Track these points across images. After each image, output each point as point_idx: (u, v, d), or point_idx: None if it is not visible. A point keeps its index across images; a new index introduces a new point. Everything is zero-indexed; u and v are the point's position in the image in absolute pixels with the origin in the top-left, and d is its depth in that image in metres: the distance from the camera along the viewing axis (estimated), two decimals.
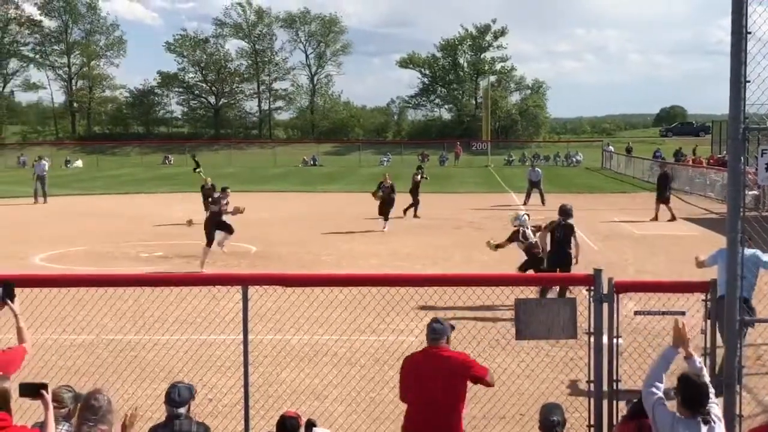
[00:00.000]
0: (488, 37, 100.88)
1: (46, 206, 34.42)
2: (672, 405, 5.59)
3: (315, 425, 6.66)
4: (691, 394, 5.39)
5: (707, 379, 5.63)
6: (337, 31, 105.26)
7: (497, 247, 16.72)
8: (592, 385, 6.83)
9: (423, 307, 9.69)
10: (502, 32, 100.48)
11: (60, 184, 46.83)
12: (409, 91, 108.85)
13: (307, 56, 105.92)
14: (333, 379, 10.15)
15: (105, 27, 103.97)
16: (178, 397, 5.98)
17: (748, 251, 10.01)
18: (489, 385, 6.82)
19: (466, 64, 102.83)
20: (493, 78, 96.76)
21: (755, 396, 9.23)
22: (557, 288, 13.25)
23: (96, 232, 25.38)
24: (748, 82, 6.24)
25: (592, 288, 6.73)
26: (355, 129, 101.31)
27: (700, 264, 11.37)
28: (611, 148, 68.65)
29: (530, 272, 15.28)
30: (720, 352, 6.86)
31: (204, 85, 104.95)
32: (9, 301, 6.51)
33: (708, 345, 6.78)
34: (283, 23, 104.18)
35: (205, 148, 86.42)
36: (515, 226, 16.46)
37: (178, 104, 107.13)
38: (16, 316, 6.47)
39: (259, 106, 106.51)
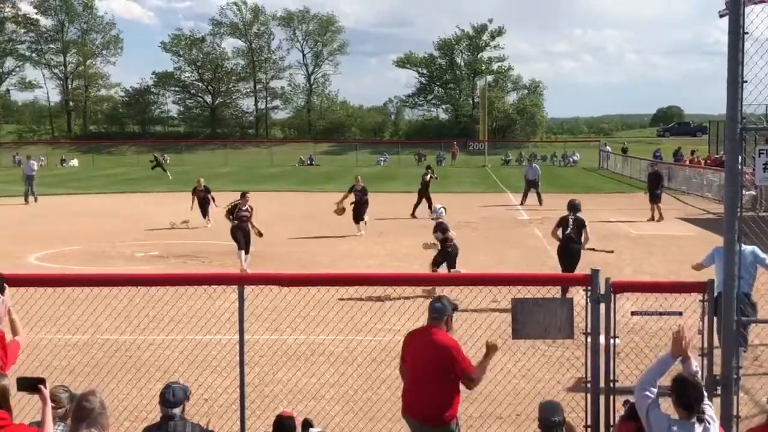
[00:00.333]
0: (485, 37, 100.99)
1: (41, 205, 34.30)
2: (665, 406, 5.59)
3: (312, 425, 6.64)
4: (686, 395, 5.39)
5: (701, 380, 5.63)
6: (335, 30, 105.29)
7: (426, 246, 17.10)
8: (589, 385, 6.82)
9: (420, 307, 9.67)
10: (500, 32, 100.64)
11: (56, 183, 46.77)
12: (406, 90, 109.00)
13: (304, 55, 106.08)
14: (330, 378, 10.12)
15: (101, 26, 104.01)
16: (172, 397, 5.94)
17: (747, 248, 10.07)
18: (468, 384, 6.82)
19: (463, 64, 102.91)
20: (490, 78, 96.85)
21: (752, 396, 9.22)
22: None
23: (91, 232, 25.33)
24: (746, 82, 6.23)
25: (590, 288, 6.72)
26: (352, 129, 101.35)
27: (699, 266, 11.39)
28: (608, 148, 68.69)
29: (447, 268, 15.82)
30: (718, 352, 6.85)
31: (200, 84, 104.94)
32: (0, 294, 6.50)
33: (705, 345, 6.76)
34: (281, 21, 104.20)
35: (202, 147, 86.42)
36: (433, 219, 16.97)
37: (174, 103, 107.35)
38: (8, 309, 6.43)
39: (256, 105, 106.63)
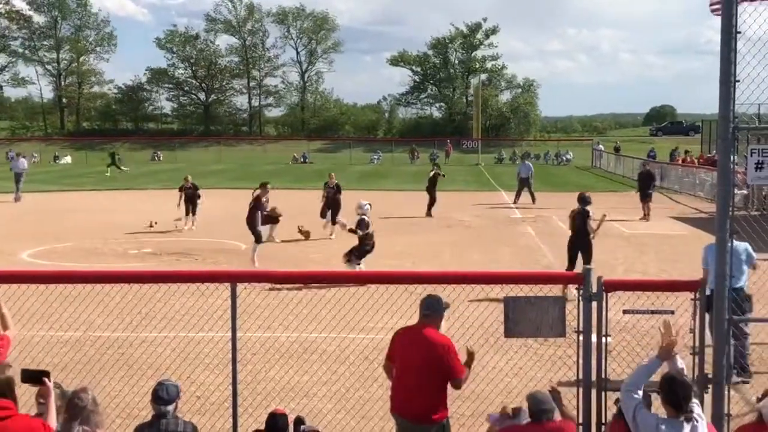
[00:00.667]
0: (479, 36, 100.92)
1: (34, 202, 34.15)
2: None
3: (303, 422, 6.66)
4: (674, 394, 5.40)
5: (688, 378, 5.63)
6: (329, 28, 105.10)
7: (351, 231, 17.65)
8: (580, 383, 6.83)
9: (413, 305, 9.67)
10: (494, 31, 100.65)
11: (48, 180, 46.66)
12: (400, 89, 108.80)
13: (297, 53, 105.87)
14: (322, 376, 10.13)
15: (95, 23, 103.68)
16: (166, 395, 5.94)
17: (740, 244, 10.13)
18: (458, 385, 6.81)
19: (457, 63, 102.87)
20: (484, 76, 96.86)
21: (743, 395, 9.25)
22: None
23: (84, 228, 25.28)
24: (738, 81, 6.25)
25: (582, 286, 6.74)
26: (346, 126, 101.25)
27: (706, 273, 11.33)
28: (601, 147, 68.80)
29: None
30: (710, 351, 6.87)
31: (194, 81, 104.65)
32: None
33: (697, 344, 6.78)
34: (275, 18, 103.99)
35: (195, 144, 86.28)
36: (359, 215, 17.33)
37: (168, 100, 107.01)
38: None
39: (249, 102, 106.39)
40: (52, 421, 5.40)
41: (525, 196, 34.57)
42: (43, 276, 8.46)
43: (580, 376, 6.82)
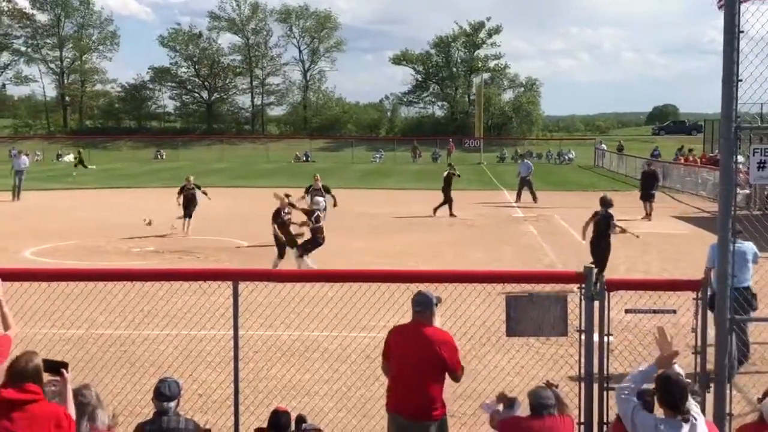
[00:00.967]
0: (482, 35, 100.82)
1: (36, 200, 34.17)
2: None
3: (305, 421, 6.66)
4: (671, 394, 5.39)
5: (684, 378, 5.62)
6: (331, 27, 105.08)
7: (303, 224, 18.43)
8: (582, 382, 6.83)
9: None
10: (497, 30, 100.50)
11: (51, 178, 46.70)
12: (402, 87, 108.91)
13: (300, 52, 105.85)
14: (323, 374, 10.14)
15: (98, 21, 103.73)
16: (168, 391, 5.94)
17: (746, 243, 10.15)
18: (458, 377, 6.83)
19: (459, 62, 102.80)
20: (486, 75, 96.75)
21: (745, 394, 9.24)
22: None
23: (87, 227, 25.30)
24: (740, 81, 6.24)
25: (584, 285, 6.73)
26: (348, 125, 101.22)
27: (707, 272, 11.34)
28: (603, 146, 68.75)
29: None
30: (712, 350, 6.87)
31: (196, 79, 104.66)
32: None
33: (698, 343, 6.78)
34: (278, 17, 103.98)
35: (198, 143, 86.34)
36: (315, 209, 18.65)
37: (171, 99, 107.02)
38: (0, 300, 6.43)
39: (252, 101, 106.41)
40: (72, 410, 5.54)
41: (526, 195, 34.57)
42: (45, 274, 8.48)
43: (582, 375, 6.83)
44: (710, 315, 6.84)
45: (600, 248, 16.16)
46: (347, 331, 11.14)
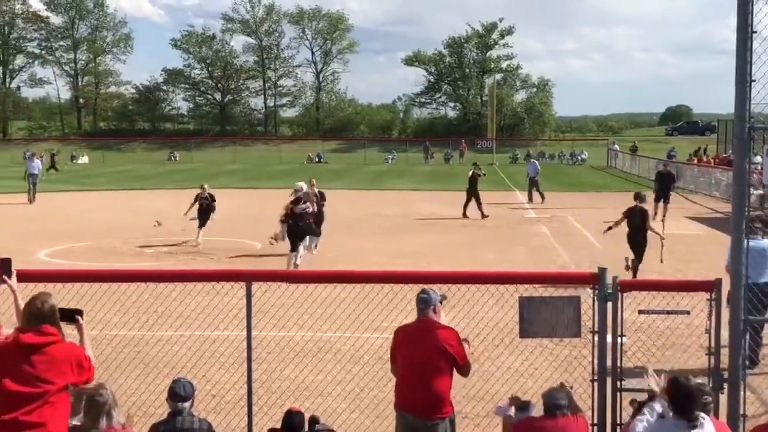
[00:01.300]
0: (495, 36, 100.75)
1: (50, 202, 34.34)
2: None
3: (318, 421, 6.67)
4: (681, 398, 5.39)
5: (693, 381, 5.59)
6: (343, 28, 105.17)
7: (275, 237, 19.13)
8: (596, 383, 6.82)
9: None
10: (509, 31, 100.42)
11: (65, 179, 46.93)
12: (414, 88, 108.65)
13: (313, 53, 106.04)
14: (336, 375, 10.15)
15: (112, 23, 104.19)
16: (183, 391, 5.98)
17: (764, 241, 10.10)
18: (466, 372, 6.86)
19: (472, 62, 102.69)
20: (499, 76, 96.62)
21: (759, 396, 9.21)
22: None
23: (101, 228, 25.41)
24: (754, 81, 6.21)
25: (597, 286, 6.72)
26: (361, 126, 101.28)
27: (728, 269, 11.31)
28: (616, 146, 68.55)
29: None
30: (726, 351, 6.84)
31: (210, 81, 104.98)
32: (6, 278, 6.54)
33: (712, 344, 6.75)
34: (291, 19, 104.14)
35: (211, 144, 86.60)
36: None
37: (184, 100, 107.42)
38: (14, 293, 6.48)
39: (265, 102, 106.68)
40: (89, 350, 5.74)
41: (538, 196, 34.55)
42: (60, 275, 8.52)
43: (595, 377, 6.81)
44: (724, 316, 6.81)
45: (635, 242, 16.86)
46: (360, 332, 11.15)
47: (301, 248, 18.18)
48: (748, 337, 6.80)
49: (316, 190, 21.61)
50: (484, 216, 28.39)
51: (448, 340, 6.67)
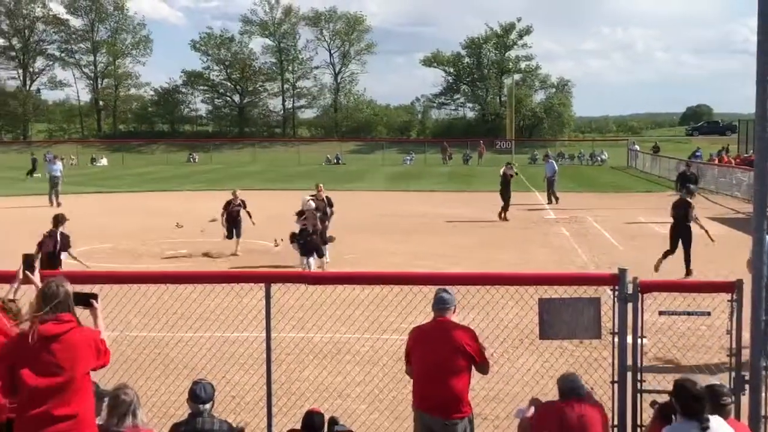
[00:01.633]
0: (513, 36, 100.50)
1: (71, 203, 34.44)
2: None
3: (337, 423, 6.68)
4: (687, 401, 5.38)
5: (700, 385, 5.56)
6: (362, 30, 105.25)
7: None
8: (616, 385, 6.79)
9: None
10: (527, 31, 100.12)
11: (85, 182, 47.22)
12: (433, 89, 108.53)
13: (331, 54, 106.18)
14: (355, 377, 10.15)
15: (132, 26, 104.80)
16: (203, 393, 6.00)
17: None
18: (485, 369, 6.87)
19: (490, 63, 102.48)
20: (517, 77, 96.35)
21: None
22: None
23: (121, 230, 25.54)
24: None
25: (617, 287, 6.69)
26: (379, 128, 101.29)
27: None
28: (636, 147, 68.17)
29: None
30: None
31: (228, 83, 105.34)
32: (29, 273, 6.62)
33: (733, 345, 6.71)
34: (308, 21, 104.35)
35: (229, 146, 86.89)
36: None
37: (203, 102, 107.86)
38: (37, 288, 6.54)
39: (283, 104, 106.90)
40: (104, 334, 5.78)
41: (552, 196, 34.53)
42: (81, 276, 8.57)
43: (616, 378, 6.78)
44: (746, 317, 6.76)
45: (677, 235, 17.38)
46: (379, 334, 11.16)
47: (311, 260, 18.16)
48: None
49: (324, 195, 20.88)
50: (504, 218, 28.28)
51: (466, 339, 6.68)
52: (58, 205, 33.56)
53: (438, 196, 38.90)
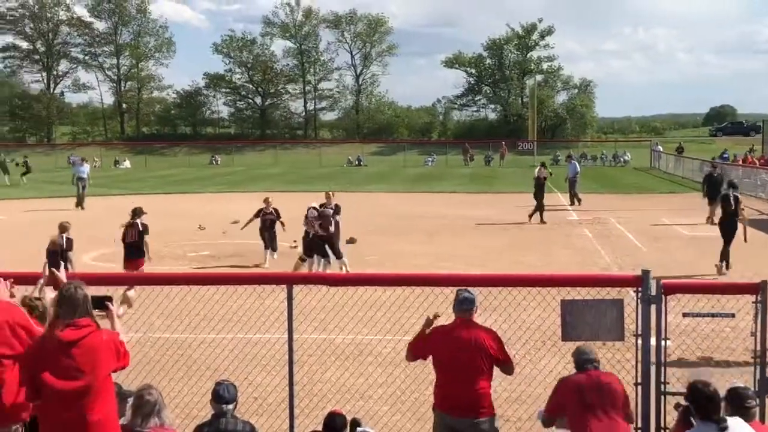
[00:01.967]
0: (535, 37, 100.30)
1: (95, 206, 34.74)
2: None
3: (360, 424, 6.68)
4: (700, 402, 5.37)
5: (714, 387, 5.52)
6: (383, 31, 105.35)
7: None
8: (639, 387, 6.75)
9: None
10: (549, 31, 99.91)
11: (109, 184, 47.53)
12: (454, 91, 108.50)
13: (352, 56, 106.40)
14: (378, 378, 10.15)
15: (154, 29, 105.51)
16: (227, 393, 6.02)
17: None
18: (510, 370, 6.89)
19: (512, 64, 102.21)
20: (539, 77, 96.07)
21: None
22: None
23: None
24: None
25: (640, 289, 6.65)
26: (400, 129, 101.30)
27: None
28: (660, 147, 67.72)
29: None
30: None
31: (250, 85, 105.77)
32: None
33: (758, 347, 6.65)
34: (329, 24, 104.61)
35: (251, 148, 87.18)
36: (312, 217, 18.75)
37: (225, 105, 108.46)
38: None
39: (305, 106, 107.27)
40: (123, 336, 5.81)
41: (583, 198, 34.32)
42: (105, 278, 8.63)
43: (639, 380, 6.74)
44: None
45: (725, 228, 17.91)
46: (401, 335, 11.12)
47: (315, 260, 18.51)
48: None
49: (333, 203, 19.69)
50: (531, 218, 28.09)
51: (489, 340, 6.67)
52: (82, 209, 33.83)
53: (459, 198, 38.85)
